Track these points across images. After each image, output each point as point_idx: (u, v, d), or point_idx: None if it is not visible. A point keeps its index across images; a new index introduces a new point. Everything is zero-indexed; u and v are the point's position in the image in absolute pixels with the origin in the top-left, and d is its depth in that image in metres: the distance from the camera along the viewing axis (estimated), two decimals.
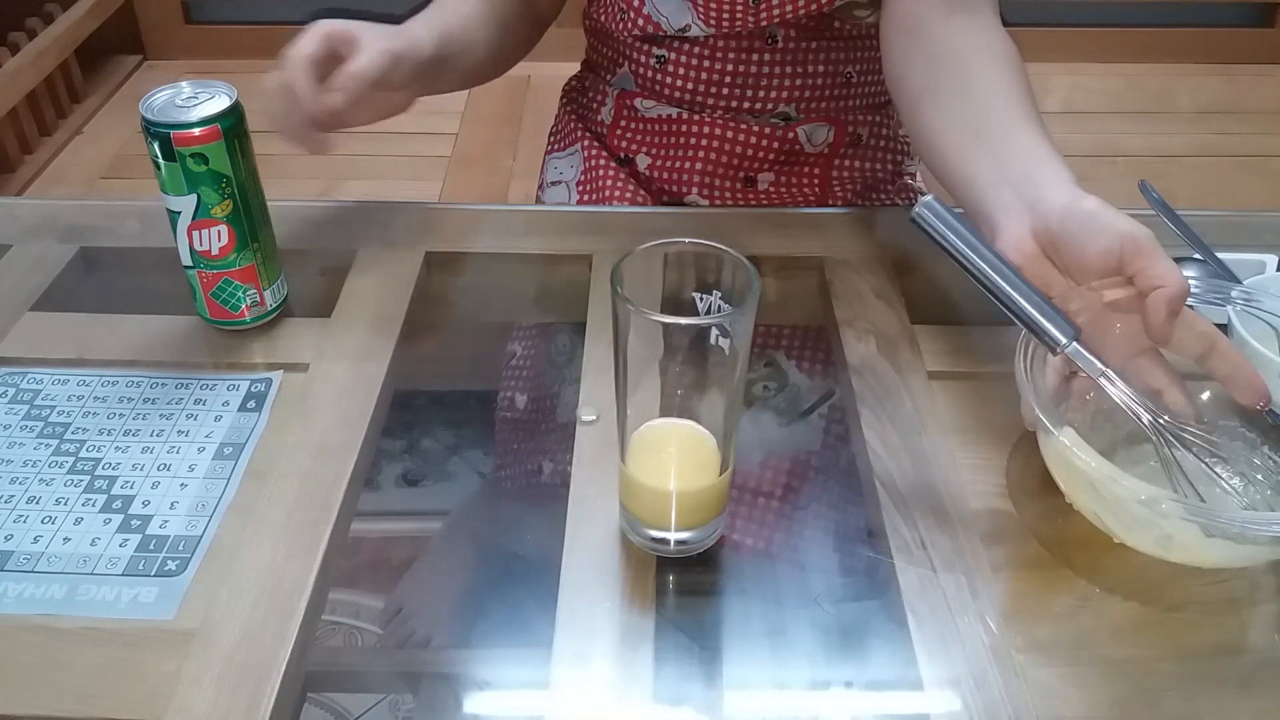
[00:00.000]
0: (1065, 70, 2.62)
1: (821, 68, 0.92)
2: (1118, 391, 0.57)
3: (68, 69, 2.39)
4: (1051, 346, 0.57)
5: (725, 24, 0.87)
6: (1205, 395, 0.64)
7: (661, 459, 0.56)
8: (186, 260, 0.70)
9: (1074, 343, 0.57)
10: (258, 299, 0.72)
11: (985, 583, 0.57)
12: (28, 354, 0.72)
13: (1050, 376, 0.60)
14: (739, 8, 0.85)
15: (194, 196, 0.67)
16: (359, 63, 0.70)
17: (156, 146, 0.65)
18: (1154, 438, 0.58)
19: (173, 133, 0.65)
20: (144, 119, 0.65)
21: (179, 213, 0.68)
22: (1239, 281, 0.74)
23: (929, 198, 0.59)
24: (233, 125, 0.66)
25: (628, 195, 0.98)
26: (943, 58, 0.73)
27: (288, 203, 0.89)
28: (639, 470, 0.56)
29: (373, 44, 0.71)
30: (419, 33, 0.77)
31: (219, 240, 0.69)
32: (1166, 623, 0.56)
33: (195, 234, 0.68)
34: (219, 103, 0.66)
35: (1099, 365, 0.57)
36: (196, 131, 0.65)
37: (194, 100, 0.66)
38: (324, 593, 0.57)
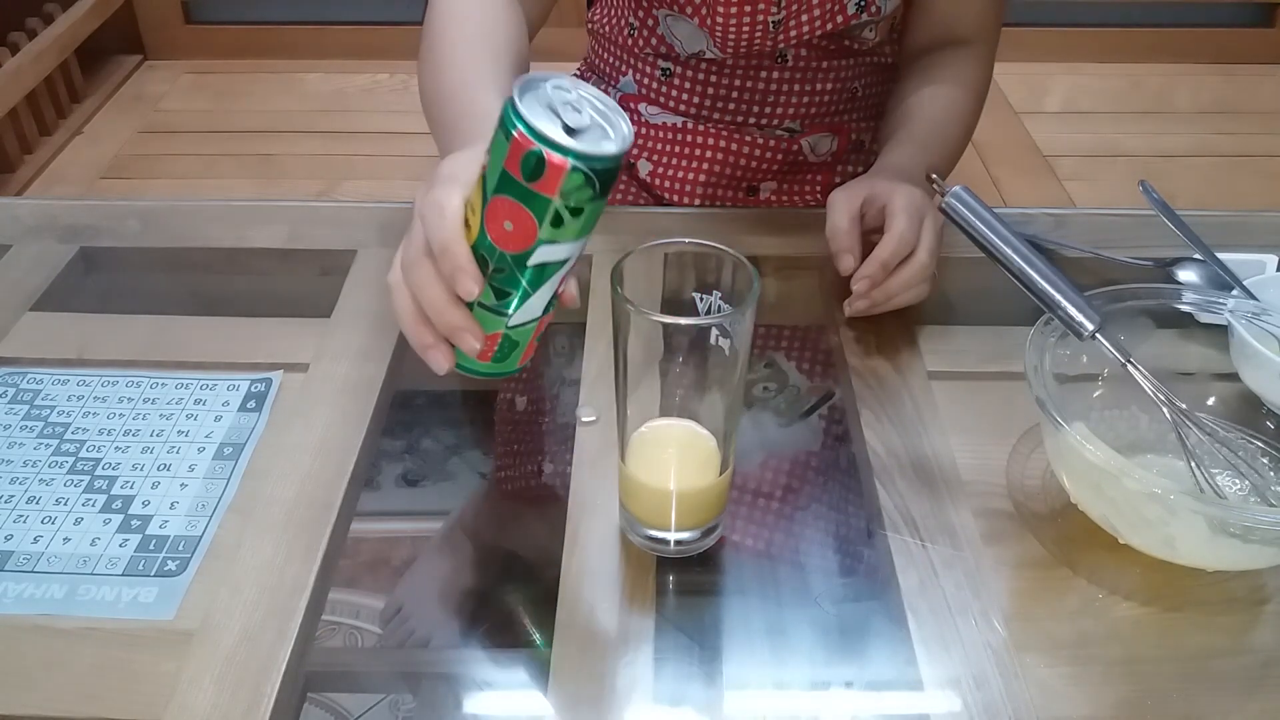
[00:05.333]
0: (1065, 70, 2.62)
1: (830, 84, 0.92)
2: (1142, 379, 0.58)
3: (68, 69, 2.39)
4: (1078, 332, 0.58)
5: (743, 49, 0.87)
6: (1211, 400, 0.64)
7: (661, 459, 0.56)
8: (540, 312, 0.53)
9: (1099, 331, 0.57)
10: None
11: (985, 583, 0.57)
12: (28, 354, 0.72)
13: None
14: (757, 34, 0.85)
15: (586, 238, 0.51)
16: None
17: (594, 188, 0.47)
18: (1173, 425, 0.58)
19: (612, 167, 0.47)
20: (579, 155, 0.46)
21: (566, 260, 0.51)
22: (1239, 282, 0.74)
23: (958, 188, 0.61)
24: None
25: (629, 198, 0.98)
26: (913, 85, 0.91)
27: (288, 203, 0.89)
28: (639, 470, 0.56)
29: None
30: None
31: (571, 281, 0.54)
32: (1167, 623, 0.56)
33: (565, 281, 0.53)
34: (617, 124, 0.48)
35: (1123, 355, 0.58)
36: (621, 160, 0.48)
37: (581, 117, 0.48)
38: (324, 593, 0.57)
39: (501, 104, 0.47)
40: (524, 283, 0.51)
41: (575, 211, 0.48)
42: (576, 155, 0.46)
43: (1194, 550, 0.55)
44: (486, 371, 0.55)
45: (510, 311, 0.52)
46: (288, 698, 0.52)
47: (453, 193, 0.50)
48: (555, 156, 0.46)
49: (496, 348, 0.53)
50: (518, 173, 0.47)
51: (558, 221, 0.48)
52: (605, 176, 0.47)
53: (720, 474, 0.56)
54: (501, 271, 0.51)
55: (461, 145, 0.58)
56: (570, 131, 0.47)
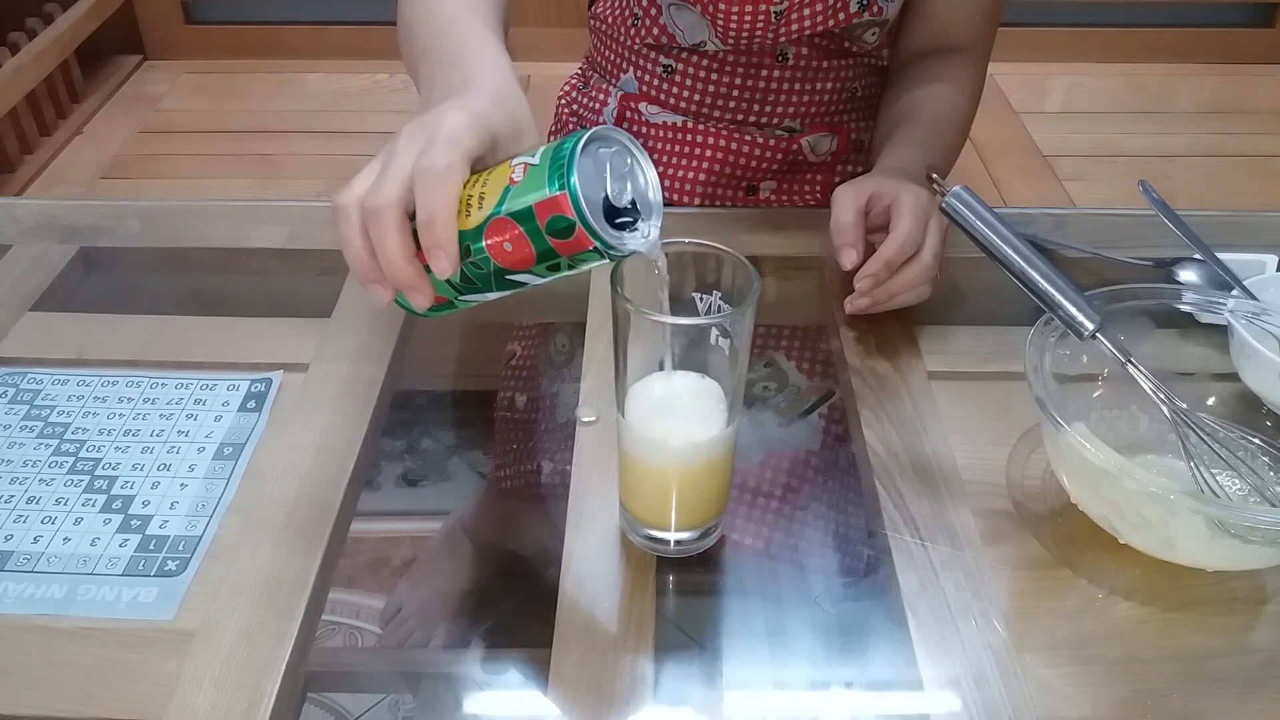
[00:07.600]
0: (1065, 70, 2.62)
1: (830, 84, 0.92)
2: (1142, 379, 0.58)
3: (68, 69, 2.38)
4: (1078, 332, 0.58)
5: (744, 42, 0.87)
6: (1211, 400, 0.64)
7: (663, 409, 0.54)
8: (492, 300, 0.54)
9: (1099, 330, 0.57)
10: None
11: (985, 583, 0.57)
12: (28, 354, 0.72)
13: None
14: (759, 27, 0.85)
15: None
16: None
17: (601, 261, 0.49)
18: (1173, 425, 0.58)
19: (627, 257, 0.50)
20: (606, 243, 0.47)
21: (524, 284, 0.52)
22: (1239, 282, 0.74)
23: (959, 188, 0.61)
24: None
25: None
26: (909, 87, 0.92)
27: (288, 203, 0.89)
28: (639, 422, 0.54)
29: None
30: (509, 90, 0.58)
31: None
32: (1167, 623, 0.56)
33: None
34: (652, 222, 0.50)
35: (1123, 354, 0.58)
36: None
37: (623, 195, 0.49)
38: (324, 593, 0.57)
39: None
40: (494, 286, 0.52)
41: (574, 267, 0.50)
42: (603, 242, 0.47)
43: (1194, 550, 0.55)
44: (419, 314, 0.55)
45: (467, 296, 0.53)
46: (288, 698, 0.52)
47: (455, 163, 0.49)
48: (584, 233, 0.47)
49: (436, 305, 0.54)
50: (543, 221, 0.47)
51: (555, 268, 0.50)
52: (616, 259, 0.49)
53: (723, 437, 0.54)
54: (479, 269, 0.51)
55: (461, 85, 0.57)
56: (607, 206, 0.48)
